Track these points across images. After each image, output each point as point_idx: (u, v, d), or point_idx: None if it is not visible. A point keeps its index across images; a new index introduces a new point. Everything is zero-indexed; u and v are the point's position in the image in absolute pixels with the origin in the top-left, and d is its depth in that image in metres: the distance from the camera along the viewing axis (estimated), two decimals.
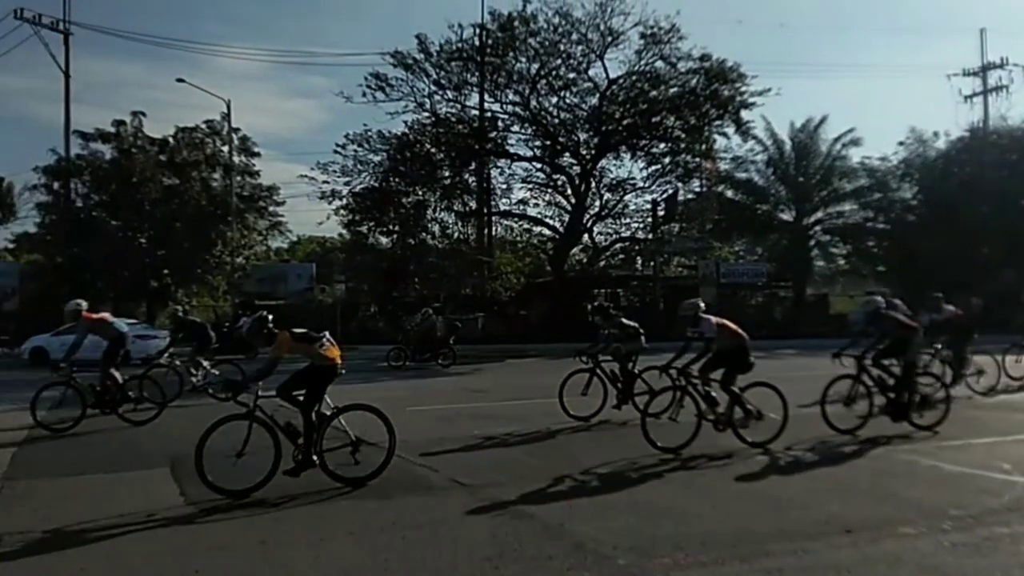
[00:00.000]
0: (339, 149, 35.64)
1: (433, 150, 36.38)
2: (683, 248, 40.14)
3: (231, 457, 7.17)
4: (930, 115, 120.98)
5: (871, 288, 35.98)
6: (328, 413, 7.73)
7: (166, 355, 14.50)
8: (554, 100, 35.84)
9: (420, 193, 36.57)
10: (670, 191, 37.09)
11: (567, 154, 36.68)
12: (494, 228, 39.69)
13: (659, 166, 36.78)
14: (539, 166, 37.65)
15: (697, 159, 36.90)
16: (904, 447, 9.41)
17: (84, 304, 12.03)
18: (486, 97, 36.55)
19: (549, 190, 37.88)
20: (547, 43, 34.57)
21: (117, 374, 12.04)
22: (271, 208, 41.62)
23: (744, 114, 36.01)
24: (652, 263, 39.90)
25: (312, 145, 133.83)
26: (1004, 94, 44.02)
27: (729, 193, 42.53)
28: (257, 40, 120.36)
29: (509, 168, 37.95)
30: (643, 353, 12.26)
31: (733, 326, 10.03)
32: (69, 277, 34.47)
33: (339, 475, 7.56)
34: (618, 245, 38.59)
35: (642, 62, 34.86)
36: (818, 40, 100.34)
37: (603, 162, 36.93)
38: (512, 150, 37.45)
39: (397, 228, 36.81)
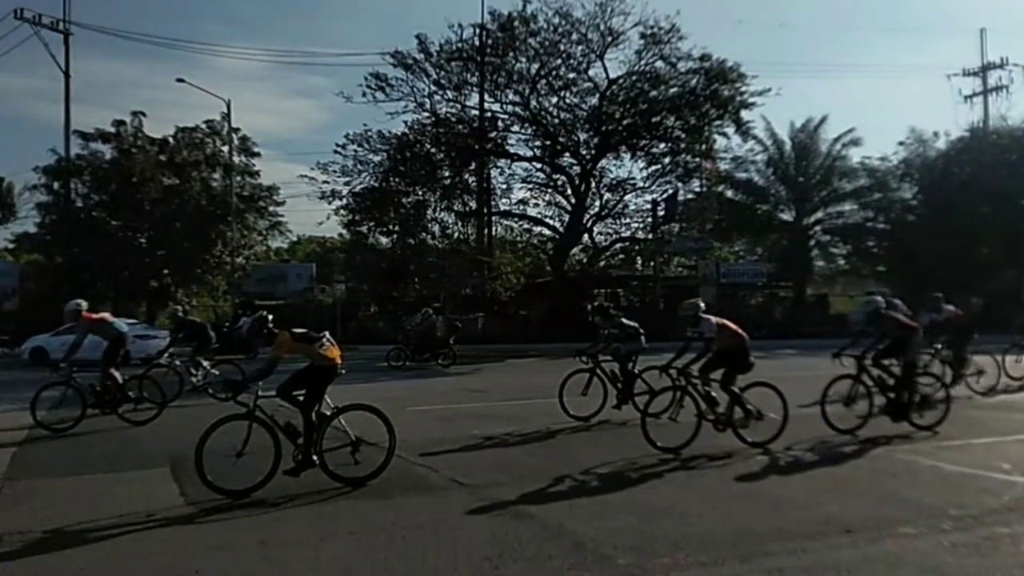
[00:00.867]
0: (339, 149, 35.64)
1: (433, 150, 36.34)
2: (683, 248, 40.11)
3: (231, 457, 7.17)
4: (930, 115, 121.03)
5: (871, 288, 35.97)
6: (328, 413, 7.73)
7: (166, 355, 14.49)
8: (554, 100, 35.84)
9: (420, 193, 36.53)
10: (670, 191, 37.07)
11: (567, 154, 36.63)
12: (494, 228, 39.68)
13: (659, 166, 36.74)
14: (539, 166, 37.65)
15: (697, 159, 36.85)
16: (904, 447, 9.42)
17: (84, 304, 12.03)
18: (486, 97, 36.58)
19: (549, 190, 37.88)
20: (547, 43, 34.52)
21: (117, 374, 12.04)
22: (271, 208, 41.72)
23: (744, 114, 36.01)
24: (652, 263, 39.91)
25: (312, 145, 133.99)
26: (1004, 94, 43.98)
27: (729, 193, 42.54)
28: (257, 40, 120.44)
29: (509, 168, 38.00)
30: (643, 353, 12.25)
31: (733, 326, 10.03)
32: (69, 277, 34.51)
33: (339, 475, 7.56)
34: (618, 245, 38.53)
35: (642, 62, 34.86)
36: (818, 40, 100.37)
37: (603, 162, 36.92)
38: (512, 150, 37.48)
39: (397, 228, 36.78)
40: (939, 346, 13.74)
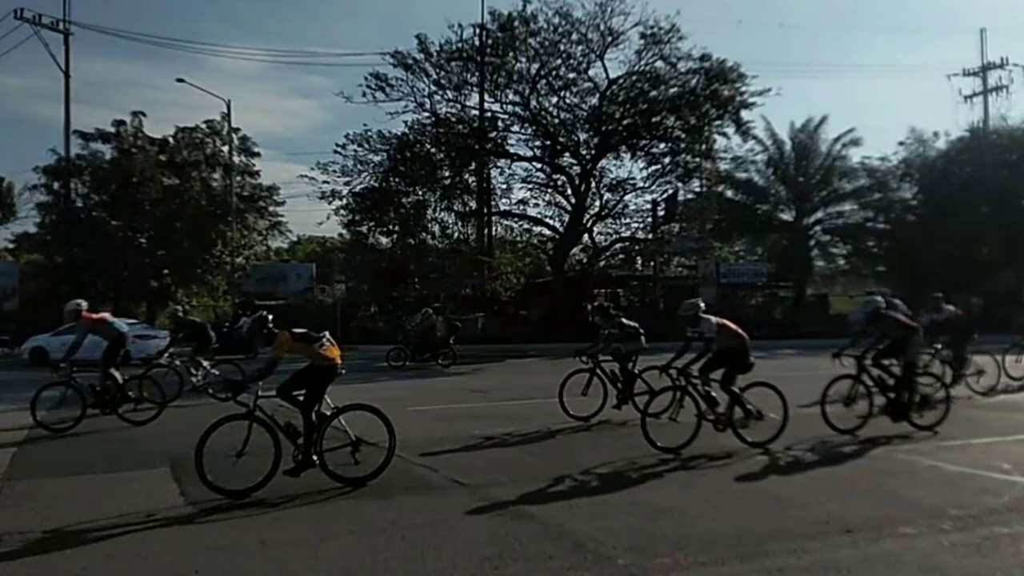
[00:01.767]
0: (339, 149, 35.63)
1: (433, 150, 36.35)
2: (683, 248, 40.13)
3: (231, 457, 7.17)
4: (930, 115, 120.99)
5: (871, 288, 36.00)
6: (328, 413, 7.73)
7: (166, 355, 14.50)
8: (554, 100, 35.83)
9: (420, 193, 36.55)
10: (670, 191, 37.03)
11: (567, 154, 36.60)
12: (494, 228, 39.64)
13: (659, 166, 36.71)
14: (539, 166, 37.63)
15: (697, 159, 36.81)
16: (904, 447, 9.42)
17: (84, 304, 12.02)
18: (486, 97, 36.57)
19: (549, 190, 37.86)
20: (547, 43, 34.52)
21: (117, 374, 12.04)
22: (271, 208, 41.77)
23: (744, 114, 35.97)
24: (652, 263, 39.89)
25: (312, 145, 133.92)
26: (1004, 94, 43.88)
27: (729, 193, 42.54)
28: (257, 40, 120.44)
29: (509, 168, 38.00)
30: (643, 353, 12.24)
31: (733, 326, 10.03)
32: (69, 277, 34.51)
33: (339, 475, 7.56)
34: (618, 245, 38.51)
35: (642, 62, 34.85)
36: (818, 40, 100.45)
37: (603, 162, 36.89)
38: (512, 150, 37.47)
39: (397, 228, 36.81)
40: (939, 346, 13.74)
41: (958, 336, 14.44)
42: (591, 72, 35.30)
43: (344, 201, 35.84)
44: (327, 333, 8.00)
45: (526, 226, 38.96)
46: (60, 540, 6.07)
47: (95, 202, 38.80)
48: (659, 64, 34.90)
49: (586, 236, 37.93)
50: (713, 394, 9.61)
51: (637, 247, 39.22)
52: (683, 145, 35.87)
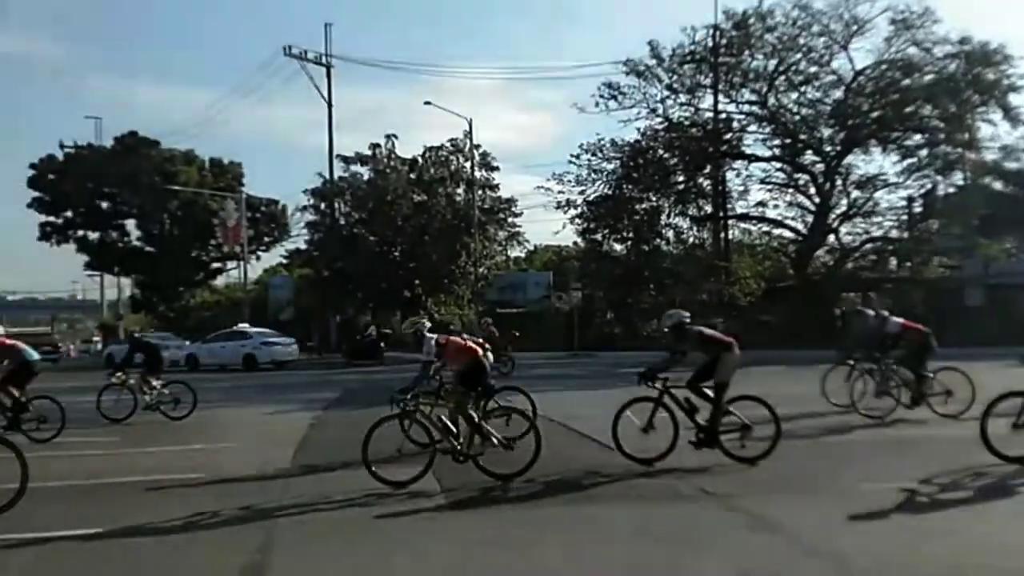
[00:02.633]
0: (573, 159, 36.51)
1: (666, 155, 36.27)
2: (945, 247, 36.88)
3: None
4: None
5: None
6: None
7: (119, 373, 14.73)
8: (794, 96, 34.80)
9: (653, 199, 36.52)
10: (928, 185, 34.56)
11: (809, 152, 35.23)
12: (731, 232, 38.81)
13: (914, 159, 34.20)
14: (778, 166, 36.40)
15: (958, 150, 33.82)
16: None
17: (2, 330, 12.69)
18: (720, 98, 36.12)
19: (790, 190, 36.45)
20: (785, 38, 33.62)
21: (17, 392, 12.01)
22: (510, 219, 43.47)
23: (1013, 98, 32.83)
24: (909, 264, 37.05)
25: (547, 156, 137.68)
26: None
27: (998, 185, 38.44)
28: (493, 59, 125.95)
29: (746, 169, 37.05)
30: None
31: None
32: (335, 289, 38.15)
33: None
34: (868, 245, 36.18)
35: (892, 49, 32.99)
36: None
37: (849, 158, 35.00)
38: (749, 151, 36.60)
39: (631, 235, 36.94)
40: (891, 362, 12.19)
41: (915, 352, 12.27)
42: (834, 64, 34.11)
43: (579, 210, 36.62)
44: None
45: (765, 229, 37.81)
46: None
47: (355, 220, 42.53)
48: (912, 50, 32.97)
49: (832, 237, 36.14)
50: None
51: (891, 247, 36.65)
52: (942, 136, 33.28)
